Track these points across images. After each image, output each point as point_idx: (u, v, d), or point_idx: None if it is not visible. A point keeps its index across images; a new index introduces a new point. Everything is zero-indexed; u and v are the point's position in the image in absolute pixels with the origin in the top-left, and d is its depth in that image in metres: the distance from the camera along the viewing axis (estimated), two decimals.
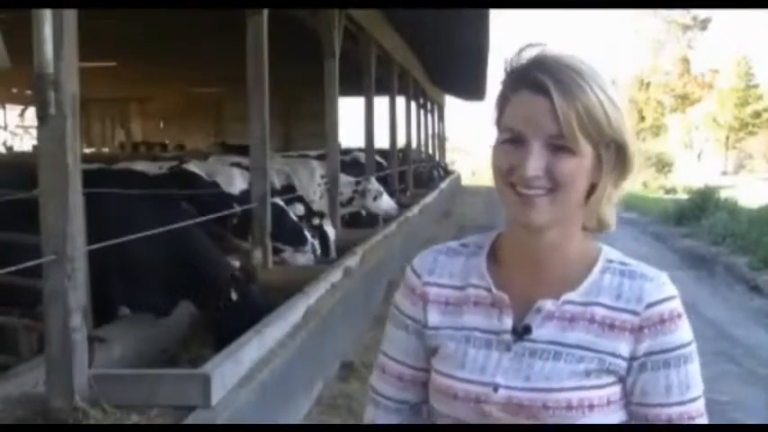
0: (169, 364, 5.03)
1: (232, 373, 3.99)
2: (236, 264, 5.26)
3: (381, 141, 15.24)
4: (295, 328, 5.20)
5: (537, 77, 1.25)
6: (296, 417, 4.94)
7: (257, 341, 4.46)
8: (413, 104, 20.60)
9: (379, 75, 13.46)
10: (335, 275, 6.75)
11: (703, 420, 1.31)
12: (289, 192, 8.84)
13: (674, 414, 1.29)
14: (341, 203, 10.11)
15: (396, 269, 9.83)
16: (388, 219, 11.04)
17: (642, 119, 54.61)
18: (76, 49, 3.49)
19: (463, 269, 1.40)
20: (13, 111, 31.93)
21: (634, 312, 1.29)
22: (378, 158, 13.96)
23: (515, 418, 1.28)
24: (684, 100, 56.28)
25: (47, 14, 3.34)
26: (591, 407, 1.27)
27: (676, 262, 12.78)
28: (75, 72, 3.49)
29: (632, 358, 1.28)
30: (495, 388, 1.30)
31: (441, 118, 31.81)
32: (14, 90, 24.77)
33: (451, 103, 36.11)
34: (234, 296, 4.90)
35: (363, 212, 10.90)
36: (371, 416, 1.47)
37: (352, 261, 7.54)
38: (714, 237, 14.61)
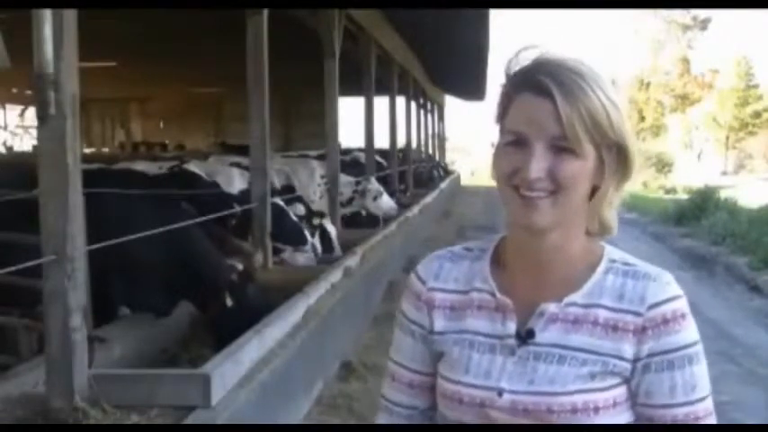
0: (169, 364, 5.03)
1: (232, 373, 3.99)
2: (239, 266, 5.24)
3: (381, 141, 15.25)
4: (295, 328, 5.19)
5: (539, 80, 1.25)
6: (296, 417, 4.94)
7: (257, 341, 4.46)
8: (413, 104, 20.60)
9: (379, 75, 13.46)
10: (335, 275, 6.74)
11: (711, 420, 1.30)
12: (289, 192, 8.85)
13: (680, 414, 1.28)
14: (341, 203, 10.11)
15: (396, 269, 9.84)
16: (388, 219, 11.04)
17: (642, 119, 54.62)
18: (76, 49, 3.49)
19: (467, 273, 1.40)
20: (13, 111, 31.94)
21: (637, 313, 1.28)
22: (378, 158, 13.96)
23: (521, 423, 1.27)
24: (684, 100, 56.28)
25: (47, 14, 3.34)
26: (596, 409, 1.27)
27: (676, 262, 12.78)
28: (75, 72, 3.49)
29: (636, 359, 1.28)
30: (500, 393, 1.29)
31: (441, 118, 31.81)
32: (14, 90, 24.78)
33: (451, 103, 36.17)
34: (229, 302, 4.89)
35: (363, 212, 10.90)
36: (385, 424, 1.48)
37: (352, 261, 7.54)
38: (714, 237, 14.61)
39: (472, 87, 26.67)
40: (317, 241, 7.72)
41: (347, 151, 14.48)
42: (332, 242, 8.04)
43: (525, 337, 1.31)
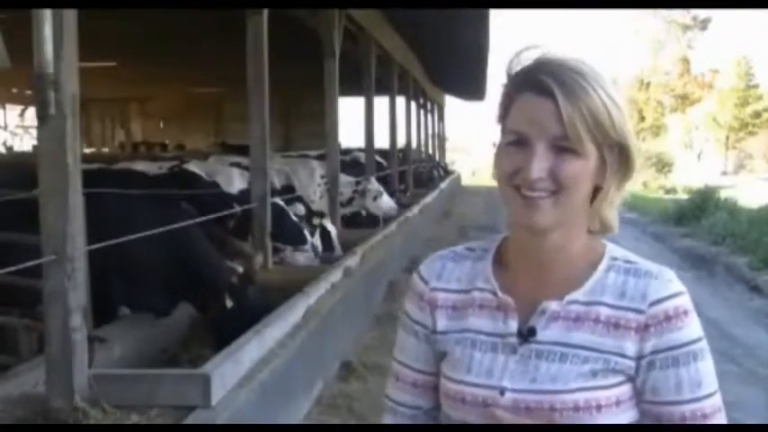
0: (169, 364, 5.03)
1: (232, 373, 3.99)
2: (239, 269, 5.23)
3: (381, 141, 15.25)
4: (295, 328, 5.19)
5: (540, 79, 1.25)
6: (296, 417, 4.93)
7: (257, 341, 4.45)
8: (413, 104, 20.60)
9: (379, 75, 13.46)
10: (335, 275, 6.74)
11: (720, 416, 1.29)
12: (289, 192, 8.85)
13: (687, 411, 1.27)
14: (341, 203, 10.12)
15: (396, 269, 9.84)
16: (388, 219, 11.04)
17: (642, 119, 54.62)
18: (76, 49, 3.49)
19: (469, 273, 1.40)
20: (13, 111, 31.94)
21: (638, 311, 1.28)
22: (378, 158, 13.96)
23: (524, 421, 1.27)
24: (684, 100, 56.29)
25: (47, 14, 3.34)
26: (599, 407, 1.26)
27: (676, 262, 12.77)
28: (75, 72, 3.49)
29: (639, 357, 1.28)
30: (502, 391, 1.30)
31: (441, 118, 31.81)
32: (14, 90, 24.77)
33: (451, 103, 36.16)
34: (228, 304, 4.89)
35: (363, 212, 10.90)
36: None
37: (352, 261, 7.54)
38: (714, 237, 14.61)
39: (472, 87, 26.67)
40: (317, 240, 7.72)
41: (347, 151, 14.48)
42: (332, 242, 8.04)
43: (527, 335, 1.31)
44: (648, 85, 57.76)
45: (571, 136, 1.24)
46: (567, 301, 1.31)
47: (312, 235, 7.63)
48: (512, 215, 1.31)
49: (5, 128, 31.84)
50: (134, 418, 3.47)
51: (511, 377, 1.30)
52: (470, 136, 63.61)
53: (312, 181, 9.80)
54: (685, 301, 1.29)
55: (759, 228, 13.83)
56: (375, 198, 10.83)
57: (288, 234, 7.26)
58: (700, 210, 17.62)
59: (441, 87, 28.67)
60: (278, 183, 8.94)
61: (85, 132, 26.92)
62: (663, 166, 43.53)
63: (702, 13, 58.63)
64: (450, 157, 39.11)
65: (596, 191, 1.31)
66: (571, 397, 1.26)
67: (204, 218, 5.68)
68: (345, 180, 10.57)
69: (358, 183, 10.96)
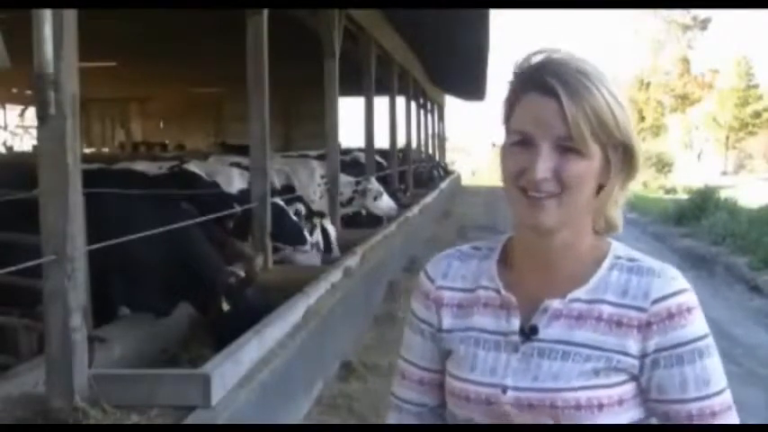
0: (169, 364, 5.02)
1: (232, 373, 3.99)
2: (240, 273, 5.23)
3: (381, 141, 15.25)
4: (295, 328, 5.19)
5: (545, 79, 1.26)
6: (296, 417, 4.93)
7: (257, 341, 4.45)
8: (413, 104, 20.60)
9: (379, 75, 13.46)
10: (335, 275, 6.74)
11: (730, 414, 1.28)
12: (289, 192, 8.85)
13: (695, 409, 1.27)
14: (341, 203, 10.11)
15: (396, 269, 9.83)
16: (388, 219, 11.04)
17: (642, 119, 54.60)
18: (76, 49, 3.49)
19: (475, 272, 1.41)
20: (13, 111, 31.93)
21: (640, 309, 1.28)
22: (378, 158, 13.96)
23: (526, 419, 1.28)
24: (684, 100, 56.28)
25: (47, 14, 3.34)
26: (600, 406, 1.26)
27: (676, 262, 12.75)
28: (75, 72, 3.49)
29: (643, 355, 1.27)
30: (504, 389, 1.30)
31: (441, 118, 31.81)
32: (14, 90, 24.77)
33: (451, 103, 36.14)
34: (225, 307, 4.89)
35: (363, 212, 10.90)
36: (394, 422, 1.49)
37: (352, 261, 7.54)
38: (714, 237, 14.61)
39: (472, 87, 26.68)
40: (318, 235, 7.71)
41: (347, 151, 14.47)
42: (330, 243, 8.03)
43: (529, 333, 1.32)
44: (648, 85, 57.74)
45: (575, 136, 1.24)
46: (570, 300, 1.31)
47: (312, 233, 7.62)
48: (517, 215, 1.31)
49: (5, 128, 31.83)
50: (134, 418, 3.47)
51: (513, 375, 1.30)
52: (470, 136, 63.64)
53: (312, 181, 9.80)
54: (689, 299, 1.29)
55: (759, 228, 13.83)
56: (375, 198, 10.83)
57: (288, 234, 7.26)
58: (700, 210, 17.62)
59: (441, 87, 28.66)
60: (278, 183, 8.94)
61: (85, 132, 26.91)
62: (663, 166, 43.51)
63: (702, 13, 58.71)
64: (450, 157, 39.09)
65: (601, 190, 1.31)
66: (573, 395, 1.26)
67: (204, 218, 5.68)
68: (345, 180, 10.57)
69: (358, 183, 10.96)
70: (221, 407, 3.72)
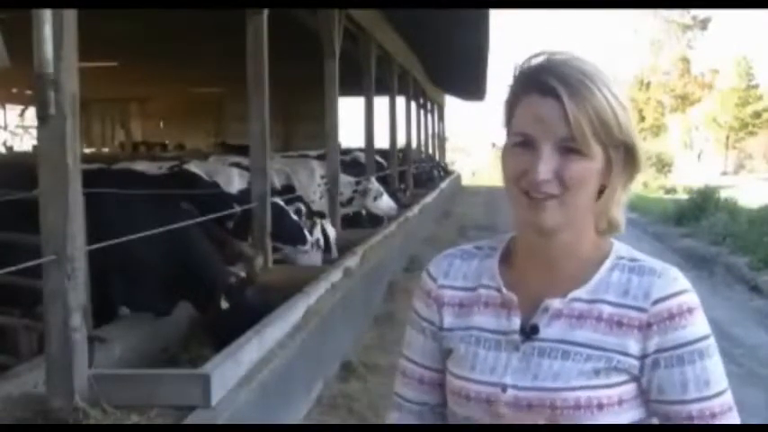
0: (169, 364, 5.03)
1: (232, 373, 3.99)
2: (241, 274, 5.23)
3: (381, 141, 15.25)
4: (295, 328, 5.19)
5: (545, 80, 1.25)
6: (296, 417, 4.93)
7: (257, 341, 4.45)
8: (413, 104, 20.60)
9: (379, 75, 13.46)
10: (335, 275, 6.74)
11: (731, 415, 1.28)
12: (289, 192, 8.85)
13: (695, 410, 1.26)
14: (341, 203, 10.11)
15: (396, 269, 9.84)
16: (388, 219, 11.04)
17: (642, 119, 54.57)
18: (76, 49, 3.49)
19: (476, 271, 1.41)
20: (13, 111, 31.92)
21: (641, 309, 1.28)
22: (378, 158, 13.96)
23: (526, 419, 1.28)
24: (684, 100, 56.28)
25: (47, 14, 3.34)
26: (600, 406, 1.26)
27: (676, 262, 12.70)
28: (75, 72, 3.49)
29: (643, 356, 1.27)
30: (504, 388, 1.30)
31: (441, 118, 31.80)
32: (14, 90, 24.76)
33: (451, 103, 36.15)
34: (224, 305, 4.89)
35: (363, 212, 10.90)
36: (395, 420, 1.49)
37: (352, 261, 7.54)
38: (714, 237, 14.60)
39: (472, 87, 26.68)
40: (318, 232, 7.70)
41: (347, 151, 14.47)
42: (330, 244, 8.02)
43: (529, 332, 1.31)
44: (648, 85, 57.74)
45: (577, 137, 1.24)
46: (570, 299, 1.31)
47: (311, 232, 7.61)
48: (519, 216, 1.31)
49: (5, 128, 31.81)
50: (134, 418, 3.47)
51: (513, 374, 1.30)
52: (470, 136, 63.65)
53: (312, 181, 9.79)
54: (690, 299, 1.28)
55: (759, 228, 13.84)
56: (375, 198, 10.83)
57: (288, 234, 7.26)
58: (700, 210, 17.62)
59: (441, 87, 28.67)
60: (278, 183, 8.93)
61: (85, 132, 26.91)
62: (663, 166, 43.51)
63: (702, 13, 58.66)
64: (450, 157, 39.09)
65: (603, 190, 1.31)
66: (572, 395, 1.26)
67: (204, 218, 5.68)
68: (345, 180, 10.57)
69: (358, 183, 10.96)
70: (221, 407, 3.72)
